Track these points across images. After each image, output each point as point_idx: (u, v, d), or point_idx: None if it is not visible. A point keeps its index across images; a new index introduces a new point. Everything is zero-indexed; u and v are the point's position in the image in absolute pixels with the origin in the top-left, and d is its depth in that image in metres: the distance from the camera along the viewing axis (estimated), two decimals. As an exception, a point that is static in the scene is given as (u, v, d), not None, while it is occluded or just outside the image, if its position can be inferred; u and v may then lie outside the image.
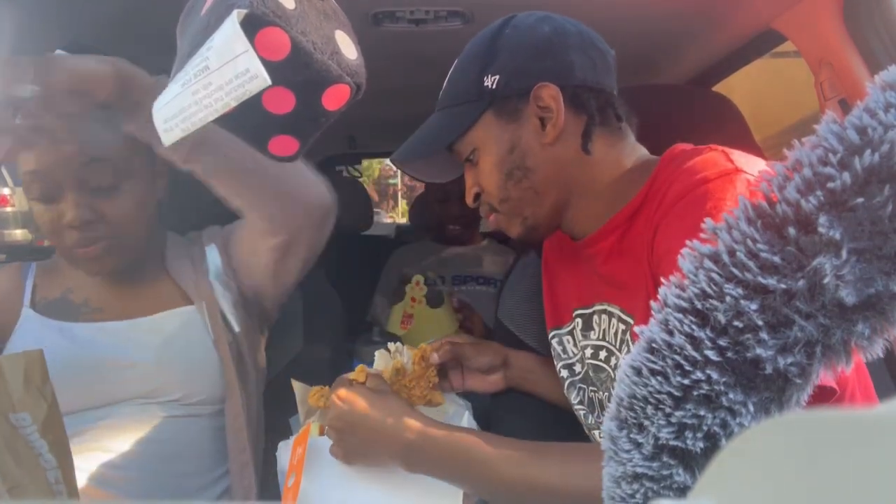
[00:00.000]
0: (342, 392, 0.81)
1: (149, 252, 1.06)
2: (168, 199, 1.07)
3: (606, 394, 0.85)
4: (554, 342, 0.96)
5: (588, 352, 0.88)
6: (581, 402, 0.92)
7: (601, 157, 0.83)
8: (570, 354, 0.93)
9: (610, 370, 0.83)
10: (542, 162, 0.82)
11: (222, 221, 1.13)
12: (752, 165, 0.69)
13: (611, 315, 0.83)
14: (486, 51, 0.83)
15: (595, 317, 0.87)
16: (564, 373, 0.94)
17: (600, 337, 0.86)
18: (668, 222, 0.70)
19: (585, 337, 0.89)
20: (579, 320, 0.90)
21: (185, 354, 0.99)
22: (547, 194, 0.83)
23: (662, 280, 0.70)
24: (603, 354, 0.85)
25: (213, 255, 1.09)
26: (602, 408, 0.87)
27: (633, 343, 0.77)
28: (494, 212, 0.88)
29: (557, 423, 0.98)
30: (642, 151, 0.86)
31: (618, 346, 0.82)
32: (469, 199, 0.89)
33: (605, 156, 0.83)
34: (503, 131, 0.82)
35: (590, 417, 0.90)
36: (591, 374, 0.88)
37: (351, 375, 0.86)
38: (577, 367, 0.91)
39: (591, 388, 0.89)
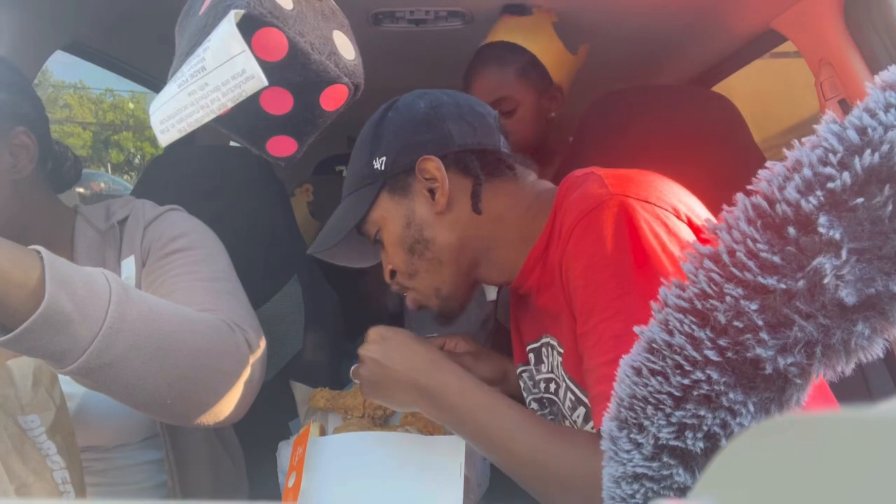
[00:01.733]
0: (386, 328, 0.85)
1: (51, 241, 0.86)
2: (52, 175, 0.93)
3: (566, 424, 0.86)
4: (525, 376, 0.96)
5: (542, 385, 0.89)
6: None
7: (499, 210, 0.85)
8: (541, 389, 0.93)
9: (559, 402, 0.84)
10: (440, 230, 0.85)
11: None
12: (628, 185, 0.71)
13: (552, 347, 0.85)
14: (373, 136, 0.88)
15: (543, 349, 0.88)
16: (535, 405, 0.94)
17: (549, 370, 0.87)
18: (567, 262, 0.72)
19: (538, 371, 0.90)
20: (532, 355, 0.91)
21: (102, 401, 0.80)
22: (452, 261, 0.86)
23: (576, 314, 0.71)
24: (553, 387, 0.86)
25: (128, 270, 0.89)
26: None
27: (566, 374, 0.78)
28: (406, 290, 0.90)
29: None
30: (543, 186, 0.88)
31: (559, 378, 0.82)
32: (386, 277, 0.93)
33: (503, 207, 0.85)
34: (398, 207, 0.86)
35: None
36: (549, 406, 0.89)
37: None
38: (545, 400, 0.92)
39: (558, 419, 0.89)
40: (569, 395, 0.79)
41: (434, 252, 0.86)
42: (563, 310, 0.76)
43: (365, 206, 0.87)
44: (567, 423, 0.82)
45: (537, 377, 0.90)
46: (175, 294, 0.82)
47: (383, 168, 0.86)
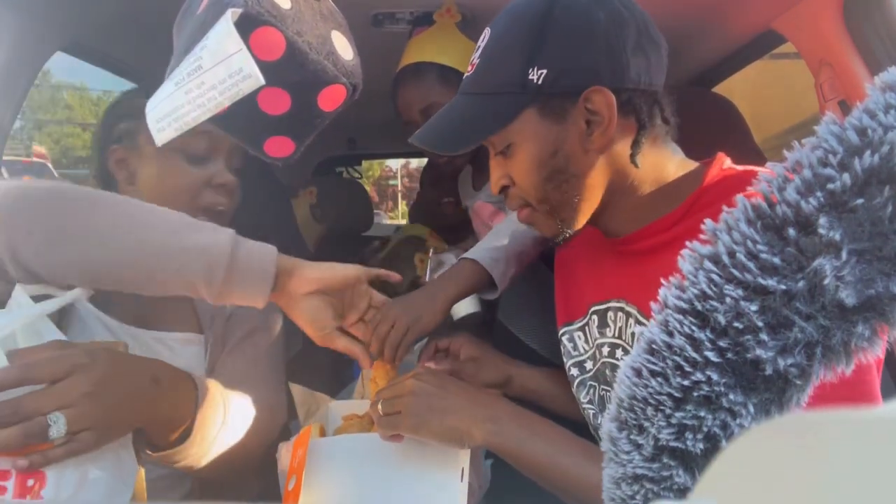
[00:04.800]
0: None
1: None
2: None
3: None
4: (564, 339, 0.94)
5: (605, 349, 0.87)
6: (591, 402, 0.91)
7: (649, 164, 0.79)
8: (581, 351, 0.91)
9: None
10: (586, 168, 0.76)
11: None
12: None
13: (627, 314, 0.82)
14: (533, 37, 0.72)
15: (610, 313, 0.85)
16: (574, 371, 0.92)
17: (615, 335, 0.85)
18: None
19: (602, 334, 0.87)
20: (595, 316, 0.89)
21: None
22: (588, 199, 0.79)
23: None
24: (619, 353, 0.84)
25: None
26: None
27: None
28: (528, 207, 0.82)
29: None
30: (682, 154, 0.83)
31: (630, 346, 0.81)
32: (495, 190, 0.83)
33: (649, 161, 0.79)
34: (546, 132, 0.75)
35: (598, 417, 0.90)
36: (607, 372, 0.87)
37: None
38: (588, 364, 0.90)
39: (602, 386, 0.88)
40: None
41: (573, 186, 0.77)
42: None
43: (506, 118, 0.75)
44: None
45: (598, 340, 0.88)
46: (242, 355, 1.01)
47: (540, 82, 0.72)
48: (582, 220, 0.81)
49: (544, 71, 0.72)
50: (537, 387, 1.02)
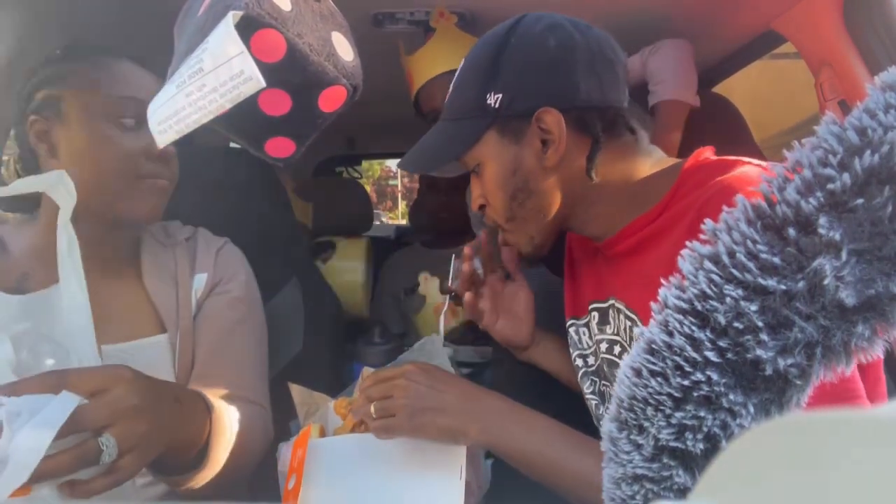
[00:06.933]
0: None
1: (125, 244, 0.97)
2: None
3: None
4: (571, 331, 0.97)
5: (603, 346, 0.88)
6: (593, 393, 0.93)
7: (612, 175, 0.82)
8: (585, 346, 0.94)
9: None
10: (545, 184, 0.82)
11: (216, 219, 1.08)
12: None
13: (619, 311, 0.84)
14: (490, 65, 0.80)
15: (610, 311, 0.87)
16: (579, 362, 0.95)
17: (615, 332, 0.86)
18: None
19: (602, 331, 0.89)
20: (595, 314, 0.91)
21: None
22: (551, 214, 0.84)
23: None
24: (617, 350, 0.86)
25: (198, 284, 0.98)
26: None
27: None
28: (499, 227, 0.89)
29: (548, 400, 0.98)
30: (659, 154, 0.85)
31: (628, 343, 0.82)
32: (474, 207, 0.90)
33: (618, 172, 0.82)
34: (506, 151, 0.82)
35: (600, 408, 0.92)
36: (605, 368, 0.89)
37: None
38: (591, 360, 0.93)
39: (602, 381, 0.90)
40: None
41: (535, 203, 0.83)
42: (650, 279, 0.72)
43: (470, 140, 0.83)
44: None
45: (598, 336, 0.90)
46: (223, 361, 0.95)
47: (497, 106, 0.80)
48: (550, 236, 0.87)
49: (500, 95, 0.79)
50: (560, 349, 1.03)
